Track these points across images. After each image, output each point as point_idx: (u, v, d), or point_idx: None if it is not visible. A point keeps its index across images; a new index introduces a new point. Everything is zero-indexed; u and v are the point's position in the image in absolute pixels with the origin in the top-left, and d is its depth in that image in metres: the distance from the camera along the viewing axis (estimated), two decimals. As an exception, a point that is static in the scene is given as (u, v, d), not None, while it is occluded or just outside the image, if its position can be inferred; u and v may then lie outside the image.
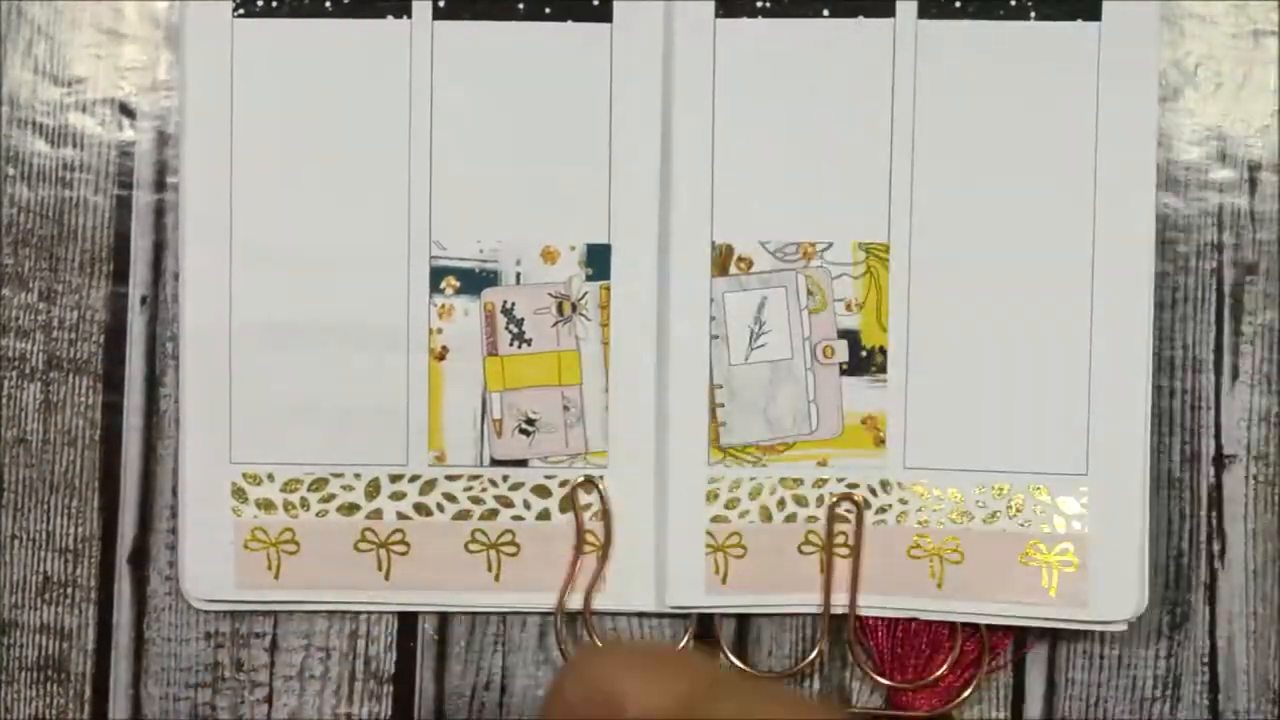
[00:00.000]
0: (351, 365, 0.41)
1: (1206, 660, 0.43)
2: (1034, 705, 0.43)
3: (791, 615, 0.42)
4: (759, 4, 0.41)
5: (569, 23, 0.41)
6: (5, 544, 0.43)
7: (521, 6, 0.41)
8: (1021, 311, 0.41)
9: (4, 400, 0.43)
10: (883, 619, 0.42)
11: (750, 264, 0.41)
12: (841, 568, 0.41)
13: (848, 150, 0.41)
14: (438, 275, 0.42)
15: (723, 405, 0.41)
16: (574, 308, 0.42)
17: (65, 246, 0.43)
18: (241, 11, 0.41)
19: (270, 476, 0.42)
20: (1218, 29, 0.42)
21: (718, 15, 0.41)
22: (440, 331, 0.42)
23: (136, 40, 0.43)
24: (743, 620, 0.42)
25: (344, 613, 0.42)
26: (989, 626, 0.42)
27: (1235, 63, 0.42)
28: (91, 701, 0.43)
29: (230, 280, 0.41)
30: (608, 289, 0.41)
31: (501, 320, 0.42)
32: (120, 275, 0.43)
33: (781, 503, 0.41)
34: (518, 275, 0.42)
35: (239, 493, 0.42)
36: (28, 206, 0.43)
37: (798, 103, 0.41)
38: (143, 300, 0.43)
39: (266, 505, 0.42)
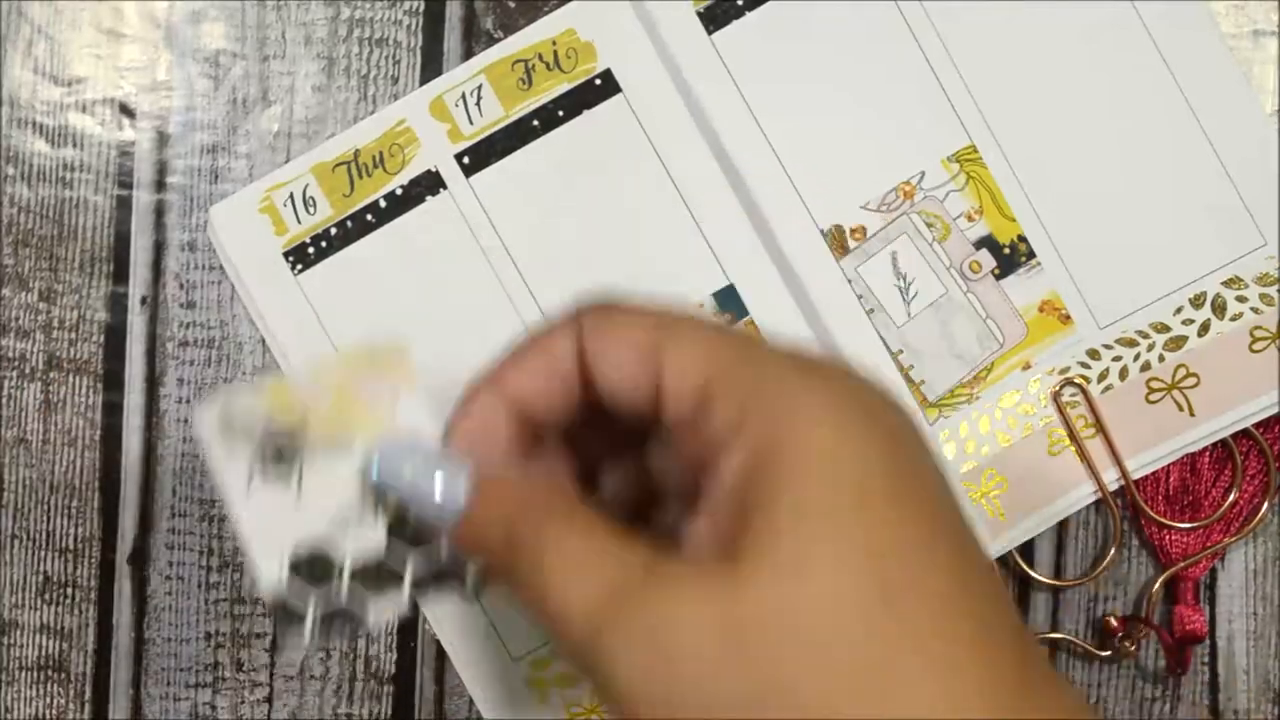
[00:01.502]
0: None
1: (1206, 660, 0.42)
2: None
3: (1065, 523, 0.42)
4: (739, 2, 0.41)
5: (585, 113, 0.42)
6: (5, 544, 0.43)
7: (536, 123, 0.42)
8: (1127, 135, 0.41)
9: (4, 400, 0.43)
10: (1152, 486, 0.42)
11: (864, 230, 0.41)
12: (1096, 450, 0.41)
13: (890, 80, 0.41)
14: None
15: (912, 366, 0.41)
16: (733, 356, 0.42)
17: (65, 246, 0.43)
18: (300, 267, 0.42)
19: (555, 653, 0.42)
20: (1217, 29, 0.41)
21: (709, 33, 0.41)
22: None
23: (136, 40, 0.42)
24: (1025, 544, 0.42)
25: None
26: (1249, 439, 0.42)
27: (1235, 63, 0.41)
28: (91, 701, 0.43)
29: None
30: (753, 323, 0.42)
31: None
32: (120, 275, 0.43)
33: (1012, 421, 0.41)
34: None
35: (537, 682, 0.42)
36: (28, 206, 0.42)
37: (822, 62, 0.41)
38: (143, 300, 0.43)
39: (568, 681, 0.42)
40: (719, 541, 0.26)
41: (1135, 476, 0.41)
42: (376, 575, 0.31)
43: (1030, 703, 0.25)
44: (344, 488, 0.31)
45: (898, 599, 0.25)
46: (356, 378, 0.32)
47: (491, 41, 0.42)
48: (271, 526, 0.32)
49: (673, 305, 0.30)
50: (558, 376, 0.29)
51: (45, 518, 0.43)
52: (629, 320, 0.29)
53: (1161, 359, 0.41)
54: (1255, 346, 0.41)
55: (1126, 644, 0.41)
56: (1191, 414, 0.41)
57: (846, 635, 0.25)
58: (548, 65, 0.41)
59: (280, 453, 0.32)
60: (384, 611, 0.31)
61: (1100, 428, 0.41)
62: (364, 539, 0.31)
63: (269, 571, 0.32)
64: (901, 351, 0.41)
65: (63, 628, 0.43)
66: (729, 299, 0.42)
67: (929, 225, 0.41)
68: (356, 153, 0.42)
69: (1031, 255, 0.41)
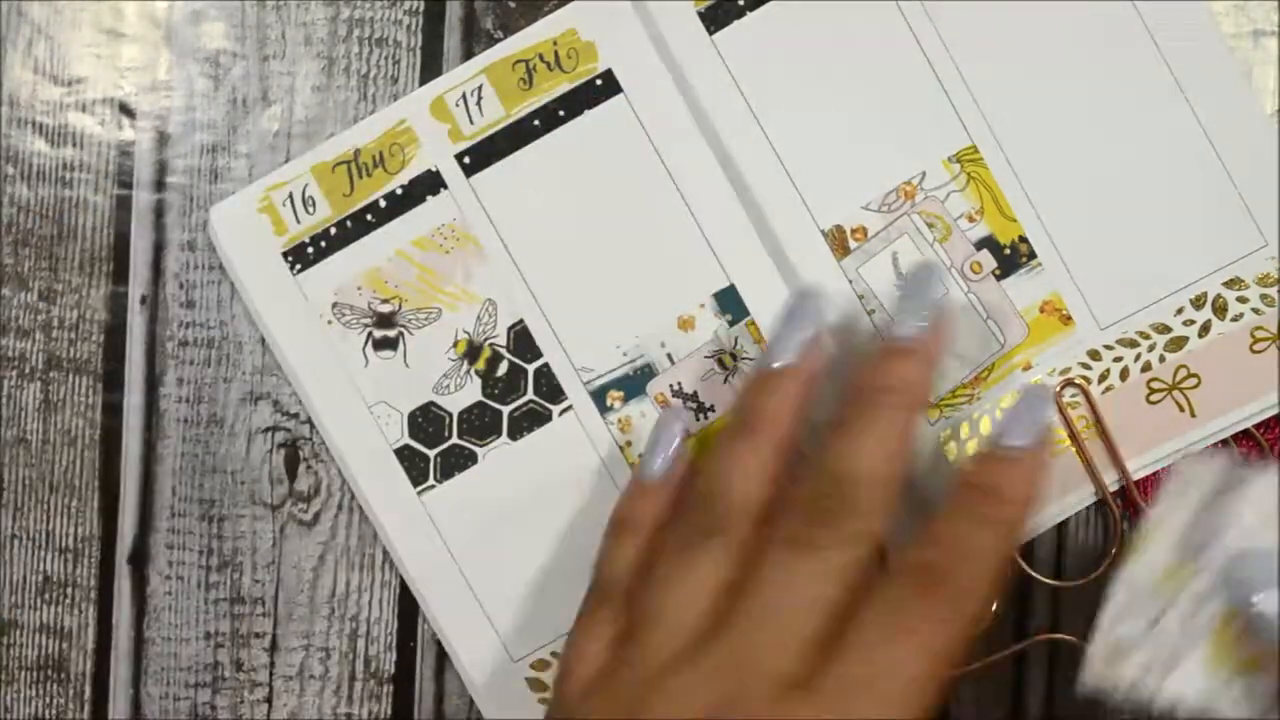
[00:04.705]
0: (573, 518, 0.42)
1: (1207, 659, 0.42)
2: (1034, 703, 0.42)
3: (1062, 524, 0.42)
4: (740, 3, 0.41)
5: (586, 113, 0.42)
6: (5, 544, 0.43)
7: (537, 123, 0.42)
8: (1128, 135, 0.41)
9: (4, 400, 0.43)
10: (1152, 487, 0.42)
11: (864, 231, 0.41)
12: (1097, 450, 0.41)
13: (890, 80, 0.41)
14: (600, 396, 0.42)
15: (912, 366, 0.41)
16: (734, 356, 0.42)
17: (65, 246, 0.42)
18: (299, 267, 0.42)
19: (555, 654, 0.42)
20: (1217, 29, 0.41)
21: (710, 33, 0.41)
22: (631, 444, 0.42)
23: (136, 40, 0.42)
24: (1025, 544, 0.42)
25: (343, 613, 0.43)
26: (1249, 440, 0.42)
27: (1235, 63, 0.41)
28: (91, 701, 0.43)
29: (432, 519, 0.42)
30: (753, 324, 0.42)
31: (677, 403, 0.42)
32: (120, 275, 0.43)
33: (1013, 421, 0.41)
34: (669, 356, 0.42)
35: (536, 684, 0.42)
36: (28, 206, 0.42)
37: (823, 62, 0.41)
38: (143, 300, 0.43)
39: (567, 681, 0.42)
40: None
41: (1136, 477, 0.41)
42: (479, 422, 0.40)
43: None
44: (440, 355, 0.39)
45: None
46: (432, 258, 0.40)
47: (492, 41, 0.42)
48: (389, 389, 0.40)
49: None
50: None
51: (45, 518, 0.43)
52: None
53: (1162, 359, 0.41)
54: (1256, 347, 0.41)
55: (1127, 644, 0.41)
56: (1192, 415, 0.41)
57: None
58: (549, 65, 0.41)
59: (386, 329, 0.39)
60: (491, 448, 0.40)
61: (1101, 428, 0.41)
62: (464, 394, 0.40)
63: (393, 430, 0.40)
64: (902, 352, 0.41)
65: (62, 628, 0.43)
66: (729, 299, 0.41)
67: (930, 226, 0.41)
68: (357, 153, 0.42)
69: (1032, 256, 0.41)
